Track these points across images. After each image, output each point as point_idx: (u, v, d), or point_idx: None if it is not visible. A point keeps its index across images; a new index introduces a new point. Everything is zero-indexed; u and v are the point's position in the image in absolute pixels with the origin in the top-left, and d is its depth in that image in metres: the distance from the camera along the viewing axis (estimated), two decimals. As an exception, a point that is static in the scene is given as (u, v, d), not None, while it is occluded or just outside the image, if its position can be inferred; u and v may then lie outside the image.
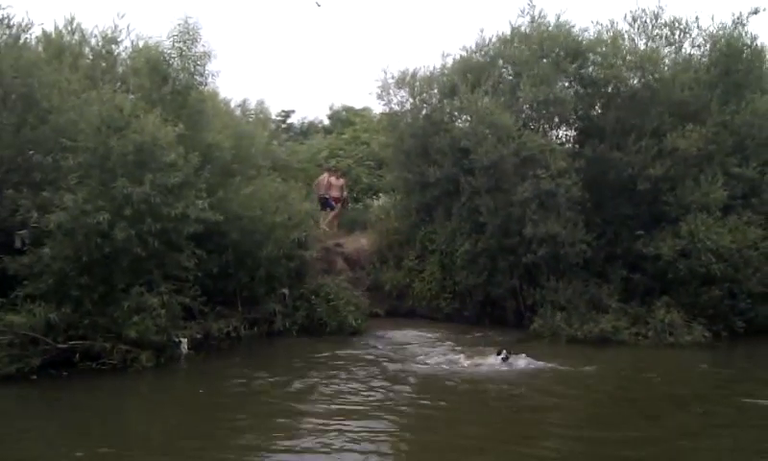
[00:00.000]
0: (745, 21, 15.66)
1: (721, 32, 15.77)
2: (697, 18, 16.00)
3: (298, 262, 15.33)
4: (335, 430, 8.25)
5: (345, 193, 20.25)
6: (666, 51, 16.07)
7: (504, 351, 11.76)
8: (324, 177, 19.82)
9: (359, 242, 18.62)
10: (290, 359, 12.55)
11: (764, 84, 15.90)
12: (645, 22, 15.87)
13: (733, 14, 15.77)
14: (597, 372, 11.55)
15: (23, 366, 10.33)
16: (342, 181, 20.29)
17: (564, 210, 14.61)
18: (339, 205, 19.80)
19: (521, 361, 11.69)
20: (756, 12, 15.71)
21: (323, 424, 8.56)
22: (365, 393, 10.08)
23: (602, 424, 8.88)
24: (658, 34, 15.92)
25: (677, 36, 15.97)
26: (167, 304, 11.60)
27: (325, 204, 19.35)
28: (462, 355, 12.39)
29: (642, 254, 14.61)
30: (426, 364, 12.02)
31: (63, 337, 10.88)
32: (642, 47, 15.80)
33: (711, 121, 14.87)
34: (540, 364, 11.69)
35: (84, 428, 8.63)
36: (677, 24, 15.87)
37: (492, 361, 11.69)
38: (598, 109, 16.36)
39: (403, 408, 9.47)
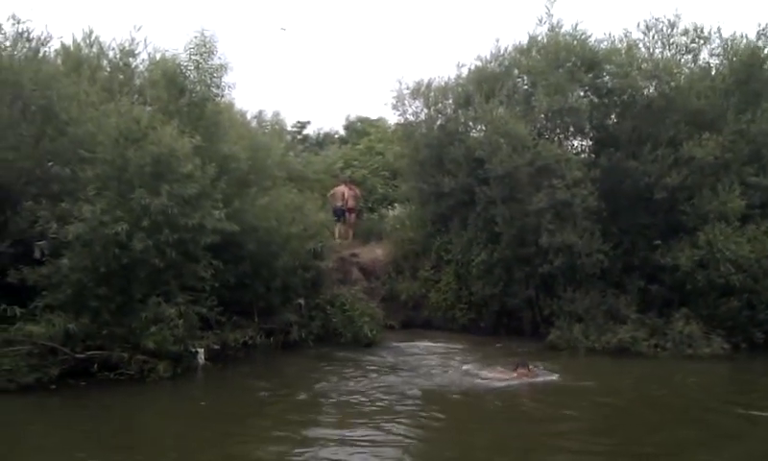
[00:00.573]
0: None
1: (744, 41, 15.64)
2: (719, 28, 15.96)
3: (313, 272, 15.37)
4: (346, 441, 8.28)
5: (359, 203, 20.37)
6: (684, 59, 16.02)
7: (521, 365, 11.56)
8: (341, 188, 19.89)
9: (374, 252, 18.64)
10: (305, 370, 12.52)
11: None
12: (662, 30, 15.80)
13: (759, 25, 15.72)
14: (612, 384, 11.48)
15: (42, 376, 10.37)
16: (357, 191, 20.37)
17: (581, 220, 14.56)
18: (353, 215, 19.90)
19: (539, 375, 11.55)
20: None
21: (336, 435, 8.57)
22: (375, 404, 10.01)
23: (610, 437, 8.79)
24: (674, 42, 15.87)
25: (695, 44, 15.88)
26: (184, 315, 11.63)
27: (341, 214, 19.43)
28: (470, 366, 12.29)
29: (660, 264, 14.50)
30: (439, 376, 11.92)
31: (82, 347, 10.93)
32: (658, 56, 15.73)
33: (728, 130, 14.77)
34: (555, 377, 11.60)
35: (99, 437, 8.63)
36: (696, 32, 15.79)
37: (508, 376, 11.46)
38: (613, 119, 16.30)
39: (409, 420, 9.31)
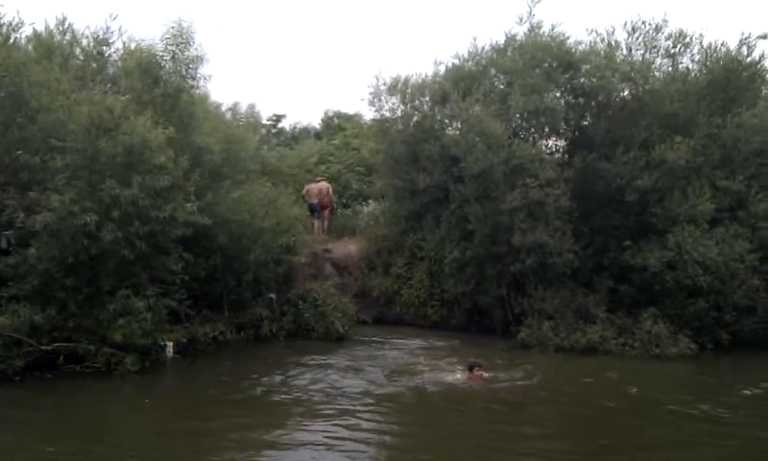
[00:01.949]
0: (753, 43, 15.75)
1: (723, 48, 15.82)
2: (701, 35, 16.11)
3: (285, 267, 15.34)
4: (309, 433, 8.33)
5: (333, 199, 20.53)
6: (662, 63, 16.19)
7: (473, 364, 11.34)
8: (316, 184, 19.96)
9: (348, 248, 18.61)
10: (274, 364, 12.41)
11: (759, 102, 15.93)
12: (648, 33, 15.95)
13: (742, 34, 15.86)
14: (567, 383, 11.54)
15: (6, 367, 10.27)
16: (330, 187, 20.50)
17: (553, 220, 14.66)
18: (328, 211, 19.93)
19: (486, 375, 11.27)
20: (765, 36, 15.89)
21: (301, 427, 8.65)
22: (340, 400, 9.99)
23: (565, 438, 8.80)
24: (657, 45, 16.03)
25: (677, 49, 16.06)
26: (153, 308, 11.55)
27: (317, 210, 19.46)
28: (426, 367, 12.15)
29: (629, 264, 14.65)
30: (399, 374, 11.74)
31: (48, 339, 10.83)
32: (639, 58, 15.87)
33: (699, 134, 14.96)
34: (505, 376, 11.54)
35: (63, 430, 8.56)
36: (681, 38, 15.95)
37: (459, 376, 11.32)
38: (589, 120, 16.42)
39: (367, 416, 9.24)
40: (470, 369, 11.26)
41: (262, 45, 60.38)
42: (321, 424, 8.86)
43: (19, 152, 11.92)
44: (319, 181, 20.36)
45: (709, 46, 15.95)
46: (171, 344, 12.10)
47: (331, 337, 14.57)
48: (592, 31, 16.41)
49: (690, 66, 16.30)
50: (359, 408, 9.59)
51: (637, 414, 9.78)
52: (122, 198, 11.01)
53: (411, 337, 15.07)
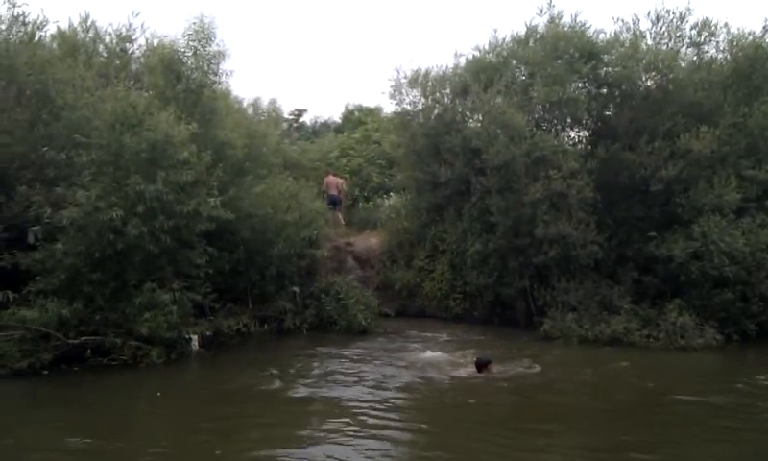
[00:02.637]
0: None
1: (749, 36, 15.61)
2: (726, 24, 15.90)
3: (308, 261, 15.42)
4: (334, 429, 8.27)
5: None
6: (687, 52, 16.00)
7: (481, 361, 11.02)
8: (334, 177, 20.28)
9: (369, 241, 18.65)
10: (297, 358, 12.40)
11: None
12: (672, 22, 15.79)
13: (766, 21, 15.67)
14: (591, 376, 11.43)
15: (35, 361, 10.43)
16: (342, 180, 20.91)
17: (576, 211, 14.55)
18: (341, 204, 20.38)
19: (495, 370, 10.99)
20: None
21: (323, 422, 8.62)
22: (361, 396, 9.89)
23: (587, 432, 8.64)
24: (681, 35, 15.85)
25: (702, 38, 15.86)
26: (178, 301, 11.67)
27: (338, 202, 19.62)
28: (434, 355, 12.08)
29: (654, 255, 14.51)
30: (421, 368, 11.56)
31: (75, 333, 10.97)
32: (664, 48, 15.70)
33: (725, 123, 14.77)
34: (520, 370, 11.33)
35: (86, 422, 8.67)
36: (705, 26, 15.76)
37: (471, 370, 11.04)
38: (612, 110, 16.28)
39: (386, 412, 9.10)
40: (479, 368, 10.94)
41: (283, 40, 60.58)
42: (339, 420, 8.80)
43: (45, 148, 12.11)
44: (333, 174, 20.74)
45: (734, 35, 15.76)
46: (196, 337, 12.23)
47: (354, 330, 14.60)
48: (618, 19, 16.34)
49: (715, 55, 16.10)
50: (377, 404, 9.48)
51: (660, 407, 9.63)
52: (147, 193, 11.13)
53: (433, 330, 15.04)
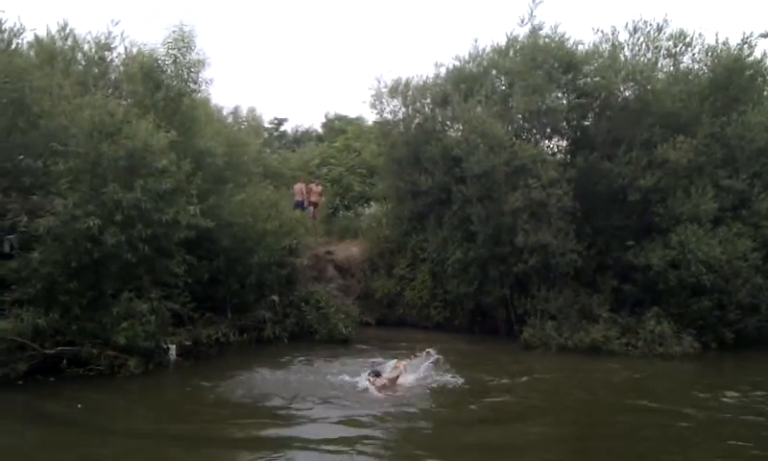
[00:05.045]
0: (754, 42, 15.75)
1: (725, 47, 15.79)
2: (701, 34, 16.12)
3: (288, 269, 15.34)
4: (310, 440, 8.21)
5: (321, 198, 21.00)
6: (665, 63, 16.18)
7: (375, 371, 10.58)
8: (301, 185, 20.27)
9: (350, 250, 18.63)
10: (275, 366, 12.23)
11: (762, 99, 15.92)
12: (648, 33, 15.97)
13: (744, 33, 15.83)
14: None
15: (9, 372, 10.25)
16: (320, 187, 20.99)
17: (555, 220, 14.66)
18: (315, 208, 20.42)
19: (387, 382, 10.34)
20: (766, 35, 15.95)
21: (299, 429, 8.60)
22: (335, 402, 9.88)
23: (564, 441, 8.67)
24: (658, 46, 16.04)
25: (679, 49, 16.05)
26: (156, 310, 11.56)
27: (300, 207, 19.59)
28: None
29: (632, 264, 14.65)
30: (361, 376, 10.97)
31: (51, 343, 10.81)
32: (642, 59, 15.87)
33: (702, 133, 14.94)
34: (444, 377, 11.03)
35: (61, 432, 8.56)
36: (681, 38, 15.95)
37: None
38: (590, 120, 16.41)
39: (362, 419, 9.10)
40: (374, 377, 10.42)
41: (264, 49, 60.54)
42: (317, 424, 8.80)
43: (22, 156, 11.96)
44: (313, 181, 20.99)
45: (711, 46, 15.97)
46: (174, 346, 12.10)
47: (335, 339, 14.56)
48: (597, 30, 16.54)
49: (692, 66, 16.31)
50: (356, 412, 9.42)
51: (636, 414, 9.67)
52: (124, 201, 11.03)
53: (413, 339, 14.92)
